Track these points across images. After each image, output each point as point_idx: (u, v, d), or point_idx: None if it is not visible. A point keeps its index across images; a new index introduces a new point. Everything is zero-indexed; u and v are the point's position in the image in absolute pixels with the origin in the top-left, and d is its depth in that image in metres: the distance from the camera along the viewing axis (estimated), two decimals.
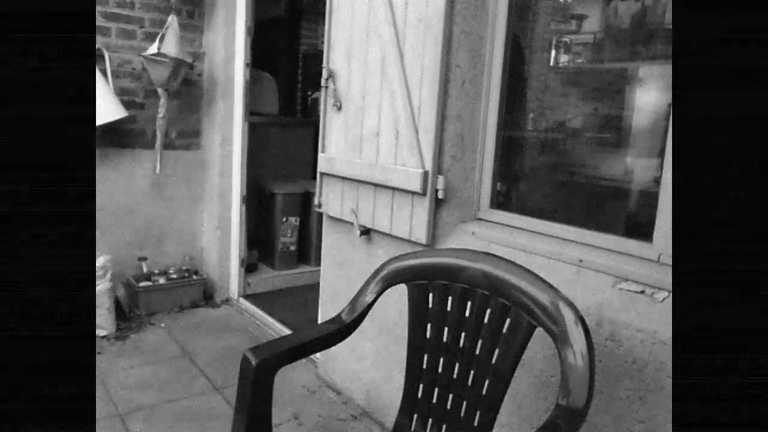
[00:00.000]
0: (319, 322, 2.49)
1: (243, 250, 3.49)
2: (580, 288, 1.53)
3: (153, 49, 2.97)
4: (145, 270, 3.32)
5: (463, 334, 1.36)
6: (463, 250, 1.43)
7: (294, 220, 3.84)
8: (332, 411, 2.34)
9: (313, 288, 2.83)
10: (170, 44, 3.00)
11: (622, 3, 1.70)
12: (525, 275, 1.27)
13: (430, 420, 1.41)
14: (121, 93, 3.10)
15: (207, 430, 2.15)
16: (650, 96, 1.67)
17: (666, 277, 1.41)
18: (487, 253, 1.37)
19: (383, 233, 2.12)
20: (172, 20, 3.03)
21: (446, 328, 1.40)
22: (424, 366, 1.43)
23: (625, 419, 1.41)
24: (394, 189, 2.02)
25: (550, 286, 1.22)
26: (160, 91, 3.10)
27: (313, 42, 5.75)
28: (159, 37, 2.98)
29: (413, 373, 1.45)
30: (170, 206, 3.44)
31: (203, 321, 3.22)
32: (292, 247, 3.88)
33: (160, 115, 3.14)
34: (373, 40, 2.05)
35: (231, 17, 3.28)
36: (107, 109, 2.85)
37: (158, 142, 3.19)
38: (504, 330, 1.28)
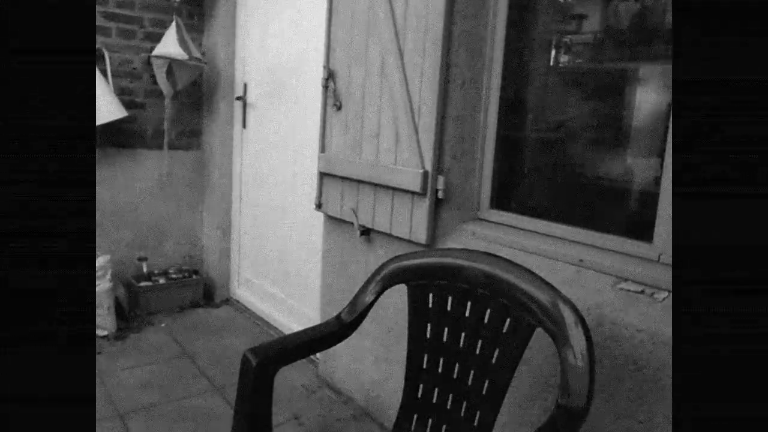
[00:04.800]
0: (319, 322, 2.49)
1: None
2: (580, 288, 1.53)
3: (180, 52, 2.97)
4: (145, 270, 3.32)
5: (462, 334, 1.36)
6: (463, 250, 1.43)
7: None
8: (332, 411, 2.34)
9: None
10: (192, 46, 3.05)
11: (622, 3, 1.70)
12: (525, 275, 1.27)
13: (430, 420, 1.41)
14: (121, 93, 3.10)
15: (207, 430, 2.15)
16: (650, 96, 1.67)
17: (666, 277, 1.41)
18: (487, 253, 1.37)
19: (383, 233, 2.12)
20: (180, 22, 3.05)
21: (446, 328, 1.40)
22: (424, 366, 1.43)
23: (625, 419, 1.41)
24: (394, 189, 2.02)
25: (550, 286, 1.22)
26: (166, 91, 3.11)
27: None
28: (178, 40, 2.99)
29: (413, 373, 1.45)
30: (170, 206, 3.44)
31: (203, 321, 3.22)
32: None
33: (168, 116, 3.17)
34: (373, 40, 2.05)
35: (231, 17, 3.29)
36: (107, 109, 2.85)
37: (166, 143, 3.22)
38: (504, 330, 1.28)
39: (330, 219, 2.42)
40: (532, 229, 1.82)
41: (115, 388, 2.40)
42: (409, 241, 2.00)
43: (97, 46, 2.99)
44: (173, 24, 3.03)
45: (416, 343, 1.45)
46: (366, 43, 2.09)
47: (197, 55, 3.08)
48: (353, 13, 2.14)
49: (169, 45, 2.99)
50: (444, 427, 1.38)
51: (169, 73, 3.06)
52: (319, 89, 2.36)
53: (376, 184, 2.09)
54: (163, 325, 3.11)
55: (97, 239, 3.11)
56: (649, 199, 1.54)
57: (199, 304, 3.42)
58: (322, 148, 2.36)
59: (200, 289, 3.45)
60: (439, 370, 1.41)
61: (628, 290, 1.47)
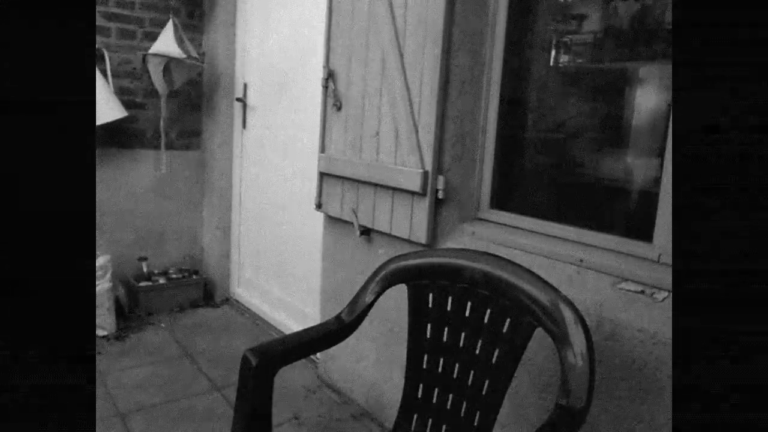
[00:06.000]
0: (319, 322, 2.49)
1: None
2: (580, 288, 1.53)
3: (178, 51, 2.97)
4: (145, 270, 3.32)
5: (463, 334, 1.36)
6: (463, 250, 1.43)
7: None
8: (332, 411, 2.34)
9: None
10: (190, 46, 3.06)
11: (622, 3, 1.70)
12: (525, 275, 1.27)
13: (430, 420, 1.41)
14: (121, 93, 3.10)
15: (207, 430, 2.15)
16: (650, 96, 1.67)
17: (666, 277, 1.41)
18: (487, 253, 1.37)
19: (383, 233, 2.12)
20: (176, 21, 3.05)
21: (446, 328, 1.40)
22: (424, 366, 1.43)
23: (624, 419, 1.41)
24: (394, 189, 2.02)
25: (550, 286, 1.22)
26: (161, 90, 3.11)
27: None
28: (176, 39, 2.99)
29: (413, 373, 1.45)
30: (170, 206, 3.44)
31: (203, 321, 3.22)
32: None
33: (165, 115, 3.17)
34: (373, 40, 2.05)
35: (231, 17, 3.29)
36: (107, 109, 2.85)
37: (163, 142, 3.23)
38: (504, 330, 1.28)
39: (330, 219, 2.42)
40: (532, 229, 1.82)
41: (115, 388, 2.40)
42: (409, 241, 2.00)
43: (97, 46, 2.99)
44: (170, 23, 3.03)
45: (416, 343, 1.45)
46: (366, 43, 2.09)
47: (195, 54, 3.08)
48: (353, 13, 2.14)
49: (167, 44, 2.99)
50: (444, 427, 1.38)
51: (166, 71, 3.06)
52: (319, 89, 2.36)
53: (376, 184, 2.09)
54: (163, 325, 3.11)
55: (97, 239, 3.11)
56: (649, 199, 1.54)
57: (199, 304, 3.42)
58: (322, 148, 2.36)
59: (200, 289, 3.45)
60: (439, 370, 1.40)
61: (628, 290, 1.47)
